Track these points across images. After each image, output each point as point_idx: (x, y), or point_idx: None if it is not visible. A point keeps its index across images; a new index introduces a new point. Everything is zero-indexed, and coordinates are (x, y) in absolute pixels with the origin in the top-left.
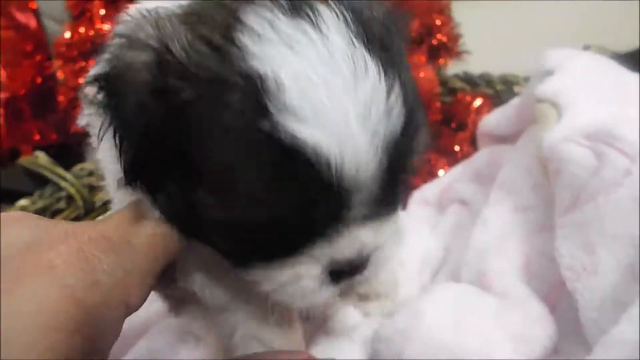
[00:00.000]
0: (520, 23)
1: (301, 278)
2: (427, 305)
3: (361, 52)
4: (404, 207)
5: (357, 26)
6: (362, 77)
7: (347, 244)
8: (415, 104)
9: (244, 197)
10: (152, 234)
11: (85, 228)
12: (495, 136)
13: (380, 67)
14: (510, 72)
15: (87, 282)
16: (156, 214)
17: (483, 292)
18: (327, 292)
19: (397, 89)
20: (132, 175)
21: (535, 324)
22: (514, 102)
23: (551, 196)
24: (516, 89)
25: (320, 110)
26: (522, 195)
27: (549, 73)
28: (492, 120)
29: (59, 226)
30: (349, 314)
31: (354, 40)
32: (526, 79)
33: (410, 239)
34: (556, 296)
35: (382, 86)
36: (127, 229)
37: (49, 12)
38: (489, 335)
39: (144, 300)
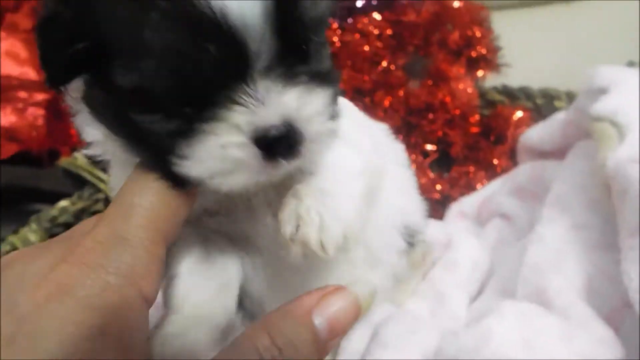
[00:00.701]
0: (560, 36)
1: (226, 147)
2: (494, 323)
3: None
4: (337, 92)
5: None
6: None
7: (266, 106)
8: None
9: (147, 56)
10: (142, 222)
11: (79, 240)
12: (537, 151)
13: None
14: (550, 86)
15: (98, 289)
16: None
17: (547, 312)
18: (263, 168)
19: None
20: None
21: (602, 346)
22: (558, 117)
23: (610, 215)
24: (557, 103)
25: None
26: (577, 213)
27: (602, 91)
28: (535, 135)
29: (55, 248)
30: None
31: None
32: (568, 94)
33: (460, 246)
34: (619, 318)
35: None
36: (118, 225)
37: None
38: (557, 356)
39: (158, 286)
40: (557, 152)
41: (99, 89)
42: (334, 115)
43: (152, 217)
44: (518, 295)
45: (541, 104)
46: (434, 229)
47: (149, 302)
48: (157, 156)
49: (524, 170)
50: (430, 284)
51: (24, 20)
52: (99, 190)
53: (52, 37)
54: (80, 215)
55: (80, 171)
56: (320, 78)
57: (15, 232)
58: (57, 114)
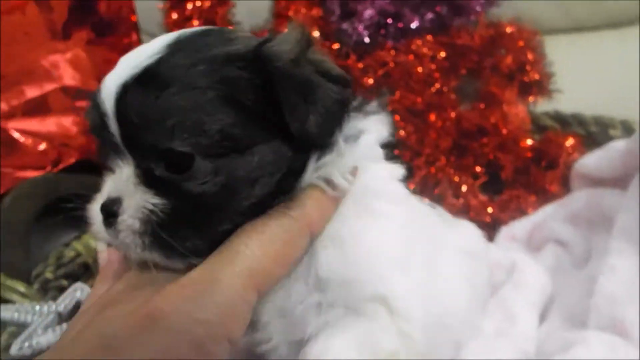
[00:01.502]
0: (614, 63)
1: (95, 204)
2: (584, 354)
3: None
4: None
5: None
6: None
7: (112, 180)
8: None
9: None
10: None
11: (177, 277)
12: (594, 179)
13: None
14: (603, 113)
15: (187, 323)
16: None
17: (631, 345)
18: (103, 228)
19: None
20: None
21: None
22: (617, 146)
23: None
24: (612, 132)
25: None
26: None
27: None
28: (591, 163)
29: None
30: None
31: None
32: (623, 123)
33: (527, 268)
34: None
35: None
36: (217, 267)
37: (146, 27)
38: None
39: (243, 330)
40: (616, 181)
41: None
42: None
43: (252, 266)
44: (591, 325)
45: (595, 131)
46: (495, 253)
47: (231, 343)
48: None
49: (579, 198)
50: (499, 303)
51: (89, 33)
52: None
53: None
54: None
55: None
56: (166, 183)
57: (78, 238)
58: None
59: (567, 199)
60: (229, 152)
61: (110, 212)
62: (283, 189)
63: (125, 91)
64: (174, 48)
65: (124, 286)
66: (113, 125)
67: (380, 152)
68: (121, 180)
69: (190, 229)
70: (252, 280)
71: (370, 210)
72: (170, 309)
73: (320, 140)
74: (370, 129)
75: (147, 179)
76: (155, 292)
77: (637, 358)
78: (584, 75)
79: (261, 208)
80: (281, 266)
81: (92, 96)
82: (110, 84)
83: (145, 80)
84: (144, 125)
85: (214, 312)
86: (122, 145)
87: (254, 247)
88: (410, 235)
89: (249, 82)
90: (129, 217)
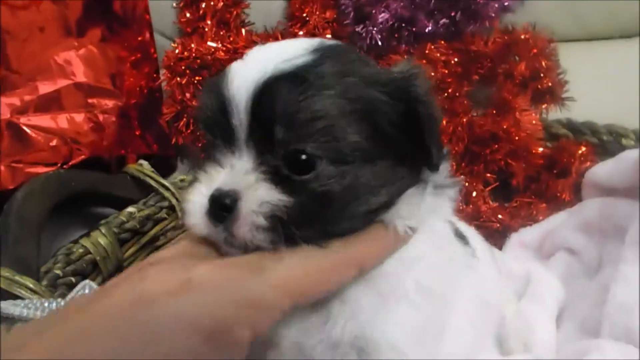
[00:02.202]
0: (629, 72)
1: (195, 201)
2: None
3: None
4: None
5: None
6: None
7: (228, 175)
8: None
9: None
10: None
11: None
12: (605, 188)
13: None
14: (616, 122)
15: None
16: None
17: None
18: (205, 221)
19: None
20: None
21: None
22: (629, 155)
23: None
24: (624, 141)
25: None
26: None
27: None
28: (603, 172)
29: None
30: None
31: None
32: (636, 132)
33: (542, 279)
34: None
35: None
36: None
37: (159, 27)
38: None
39: (267, 325)
40: (628, 191)
41: None
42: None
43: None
44: (604, 334)
45: (607, 140)
46: (510, 262)
47: (254, 333)
48: None
49: (591, 206)
50: (519, 317)
51: (103, 30)
52: (163, 198)
53: None
54: (145, 222)
55: (146, 178)
56: (288, 180)
57: (87, 235)
58: (127, 121)
59: (578, 207)
60: (356, 160)
61: (224, 204)
62: (390, 204)
63: (270, 85)
64: (323, 55)
65: (173, 252)
66: (242, 117)
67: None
68: (239, 174)
69: (312, 227)
70: (286, 290)
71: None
72: (208, 281)
73: (436, 170)
74: (452, 187)
75: (271, 176)
76: (200, 262)
77: None
78: (597, 84)
79: (373, 217)
80: (315, 289)
81: (212, 84)
82: (248, 76)
83: (296, 80)
84: (285, 123)
85: (247, 298)
86: (246, 138)
87: (294, 264)
88: (430, 299)
89: (387, 105)
90: (253, 212)
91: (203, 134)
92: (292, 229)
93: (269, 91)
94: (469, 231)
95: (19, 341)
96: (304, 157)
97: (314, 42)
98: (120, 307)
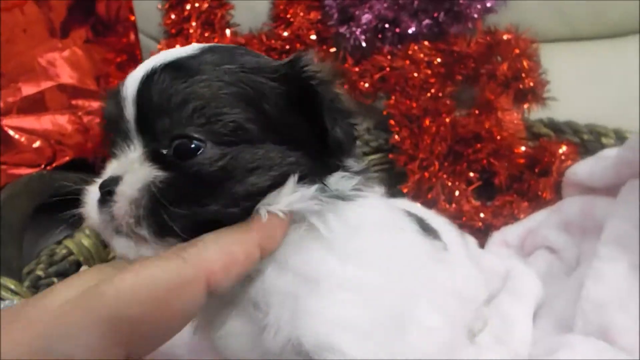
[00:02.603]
0: (609, 72)
1: (93, 186)
2: (569, 358)
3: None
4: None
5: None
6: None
7: (117, 162)
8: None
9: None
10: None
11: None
12: (585, 186)
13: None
14: (597, 122)
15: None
16: None
17: (616, 351)
18: (97, 210)
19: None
20: None
21: None
22: (609, 154)
23: None
24: (604, 140)
25: None
26: (636, 252)
27: None
28: (584, 170)
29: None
30: None
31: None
32: (616, 131)
33: (522, 276)
34: None
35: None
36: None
37: (144, 28)
38: None
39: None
40: (607, 189)
41: None
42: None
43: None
44: (577, 330)
45: (588, 139)
46: (490, 260)
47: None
48: None
49: (571, 205)
50: (496, 311)
51: (87, 32)
52: None
53: None
54: None
55: None
56: (168, 167)
57: (71, 236)
58: None
59: (559, 206)
60: (239, 142)
61: (109, 189)
62: (271, 189)
63: (152, 75)
64: (207, 49)
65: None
66: (130, 109)
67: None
68: (126, 162)
69: (185, 205)
70: (118, 332)
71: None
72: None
73: (342, 154)
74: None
75: (153, 159)
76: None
77: None
78: (580, 83)
79: (251, 200)
80: (163, 316)
81: (112, 90)
82: (137, 72)
83: (173, 68)
84: (163, 108)
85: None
86: (134, 129)
87: (122, 285)
88: (379, 288)
89: (274, 90)
90: (128, 187)
91: (106, 138)
92: (164, 206)
93: (149, 83)
94: (444, 226)
95: None
96: (188, 141)
97: (207, 45)
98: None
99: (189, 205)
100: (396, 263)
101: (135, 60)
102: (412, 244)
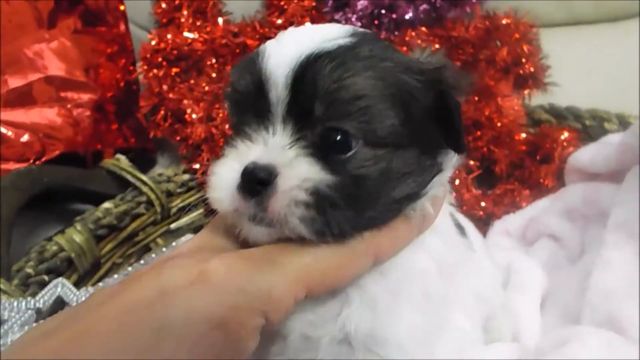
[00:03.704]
0: (611, 57)
1: (225, 173)
2: (578, 351)
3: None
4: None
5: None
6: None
7: (265, 148)
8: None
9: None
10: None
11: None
12: (588, 172)
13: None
14: (599, 107)
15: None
16: None
17: (627, 341)
18: (236, 197)
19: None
20: None
21: None
22: (612, 139)
23: None
24: (607, 125)
25: None
26: None
27: None
28: (586, 157)
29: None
30: None
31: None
32: (618, 116)
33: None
34: None
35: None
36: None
37: (134, 18)
38: None
39: (282, 315)
40: (611, 175)
41: None
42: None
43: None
44: (585, 320)
45: (590, 125)
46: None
47: (267, 323)
48: None
49: (574, 192)
50: (503, 309)
51: (76, 22)
52: (141, 193)
53: None
54: (122, 217)
55: (124, 173)
56: (325, 158)
57: (62, 232)
58: (103, 115)
59: (561, 193)
60: (389, 145)
61: (259, 178)
62: (418, 194)
63: (312, 63)
64: (360, 38)
65: (191, 246)
66: (280, 93)
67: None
68: (275, 149)
69: (347, 210)
70: (300, 282)
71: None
72: (221, 273)
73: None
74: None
75: (309, 153)
76: (216, 255)
77: (636, 355)
78: (581, 68)
79: (399, 207)
80: (331, 281)
81: (246, 63)
82: (288, 54)
83: (338, 59)
84: (325, 100)
85: (259, 288)
86: (283, 114)
87: (309, 258)
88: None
89: (421, 93)
90: (292, 185)
91: (232, 112)
92: (330, 208)
93: (310, 68)
94: (465, 222)
95: (26, 342)
96: (340, 136)
97: (348, 27)
98: (137, 303)
99: (350, 210)
100: (453, 266)
101: (126, 50)
102: (458, 244)
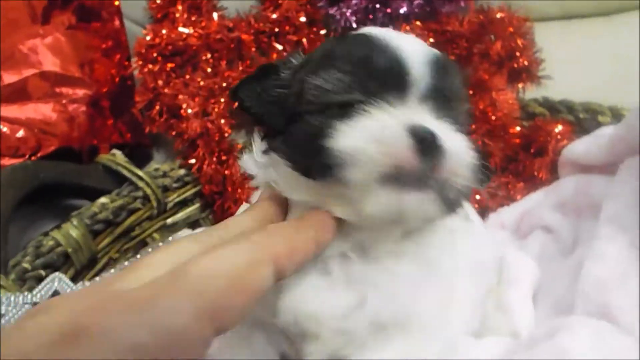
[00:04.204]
0: (604, 50)
1: (385, 128)
2: (569, 341)
3: None
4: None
5: None
6: None
7: (420, 115)
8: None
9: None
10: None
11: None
12: (582, 165)
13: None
14: (592, 100)
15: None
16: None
17: (619, 331)
18: (409, 157)
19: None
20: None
21: None
22: (606, 132)
23: None
24: (600, 118)
25: None
26: (635, 232)
27: None
28: (580, 149)
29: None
30: None
31: None
32: (612, 109)
33: (516, 262)
34: None
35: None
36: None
37: (129, 13)
38: None
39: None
40: (604, 167)
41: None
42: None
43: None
44: (577, 311)
45: (584, 118)
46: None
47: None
48: (314, 147)
49: (567, 184)
50: (495, 303)
51: (70, 17)
52: (137, 188)
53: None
54: (118, 213)
55: (119, 168)
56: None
57: (58, 227)
58: (98, 110)
59: (555, 186)
60: None
61: (433, 140)
62: None
63: (438, 61)
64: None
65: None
66: (420, 74)
67: None
68: (428, 120)
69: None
70: (206, 310)
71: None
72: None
73: None
74: None
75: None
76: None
77: (627, 344)
78: (574, 62)
79: None
80: (241, 295)
81: (372, 43)
82: (418, 45)
83: (447, 65)
84: (451, 94)
85: (152, 338)
86: (423, 93)
87: (205, 267)
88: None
89: None
90: (464, 153)
91: (353, 86)
92: (475, 182)
93: (444, 63)
94: None
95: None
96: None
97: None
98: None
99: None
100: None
101: (121, 46)
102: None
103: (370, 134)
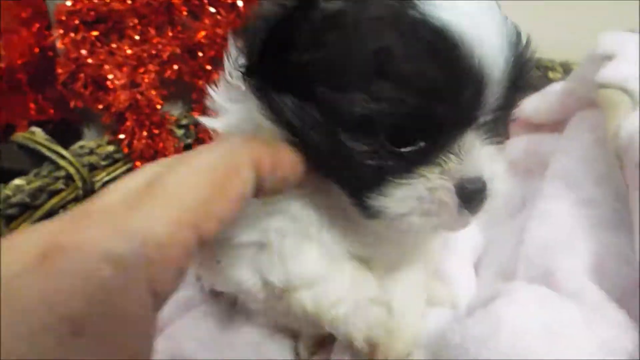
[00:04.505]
0: (553, 5)
1: (436, 190)
2: (506, 309)
3: None
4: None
5: None
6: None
7: (471, 159)
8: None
9: (393, 82)
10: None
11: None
12: (532, 124)
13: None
14: (543, 56)
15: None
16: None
17: (564, 297)
18: (463, 214)
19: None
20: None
21: (620, 331)
22: (554, 88)
23: (621, 190)
24: (551, 75)
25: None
26: (584, 189)
27: (607, 58)
28: (529, 107)
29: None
30: None
31: None
32: (563, 65)
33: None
34: (631, 301)
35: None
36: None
37: None
38: (581, 344)
39: (173, 279)
40: (554, 125)
41: (310, 106)
42: None
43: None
44: (520, 277)
45: (534, 75)
46: None
47: (154, 296)
48: (355, 183)
49: (517, 144)
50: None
51: None
52: (58, 167)
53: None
54: (37, 195)
55: (38, 147)
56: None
57: None
58: (14, 85)
59: (505, 146)
60: None
61: (479, 195)
62: None
63: (520, 51)
64: None
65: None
66: (495, 90)
67: None
68: (480, 158)
69: None
70: (187, 217)
71: None
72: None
73: None
74: None
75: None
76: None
77: (570, 310)
78: (524, 17)
79: None
80: (222, 200)
81: (440, 40)
82: (493, 34)
83: (525, 63)
84: (521, 75)
85: (127, 246)
86: (495, 109)
87: (183, 173)
88: None
89: None
90: (502, 193)
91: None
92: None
93: (520, 57)
94: None
95: None
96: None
97: None
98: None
99: None
100: None
101: (42, 15)
102: None
103: (417, 198)
